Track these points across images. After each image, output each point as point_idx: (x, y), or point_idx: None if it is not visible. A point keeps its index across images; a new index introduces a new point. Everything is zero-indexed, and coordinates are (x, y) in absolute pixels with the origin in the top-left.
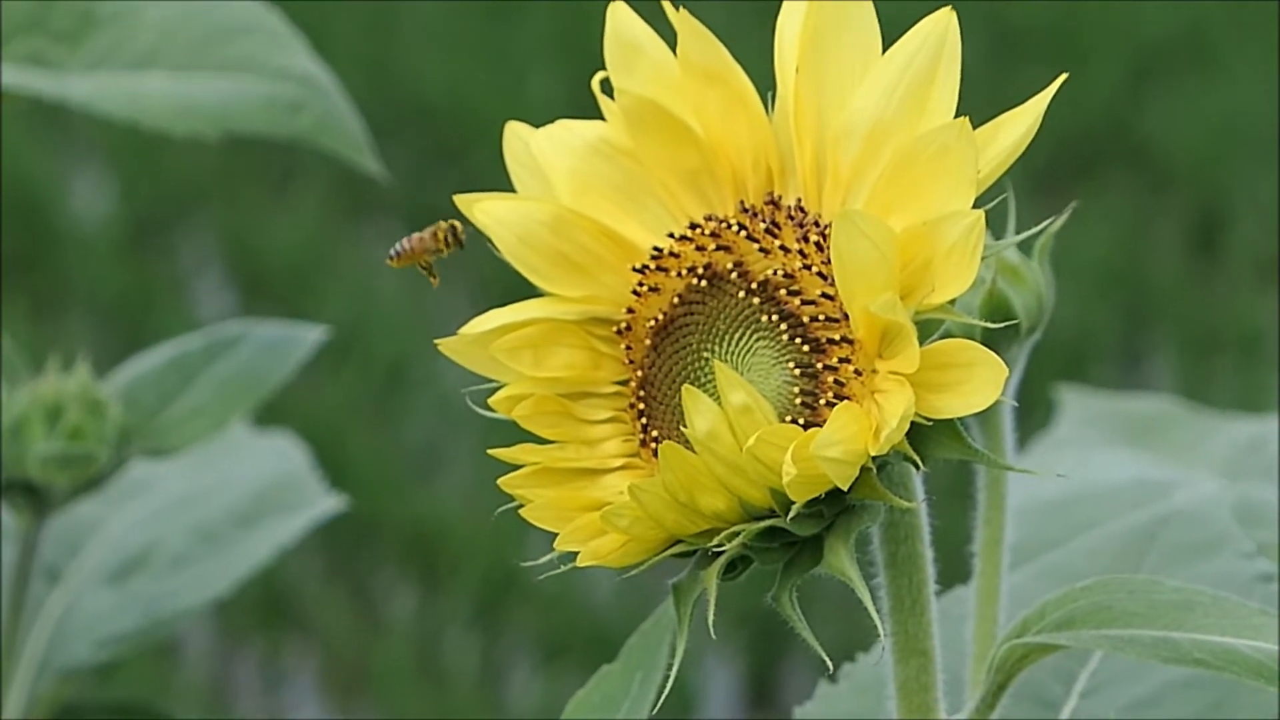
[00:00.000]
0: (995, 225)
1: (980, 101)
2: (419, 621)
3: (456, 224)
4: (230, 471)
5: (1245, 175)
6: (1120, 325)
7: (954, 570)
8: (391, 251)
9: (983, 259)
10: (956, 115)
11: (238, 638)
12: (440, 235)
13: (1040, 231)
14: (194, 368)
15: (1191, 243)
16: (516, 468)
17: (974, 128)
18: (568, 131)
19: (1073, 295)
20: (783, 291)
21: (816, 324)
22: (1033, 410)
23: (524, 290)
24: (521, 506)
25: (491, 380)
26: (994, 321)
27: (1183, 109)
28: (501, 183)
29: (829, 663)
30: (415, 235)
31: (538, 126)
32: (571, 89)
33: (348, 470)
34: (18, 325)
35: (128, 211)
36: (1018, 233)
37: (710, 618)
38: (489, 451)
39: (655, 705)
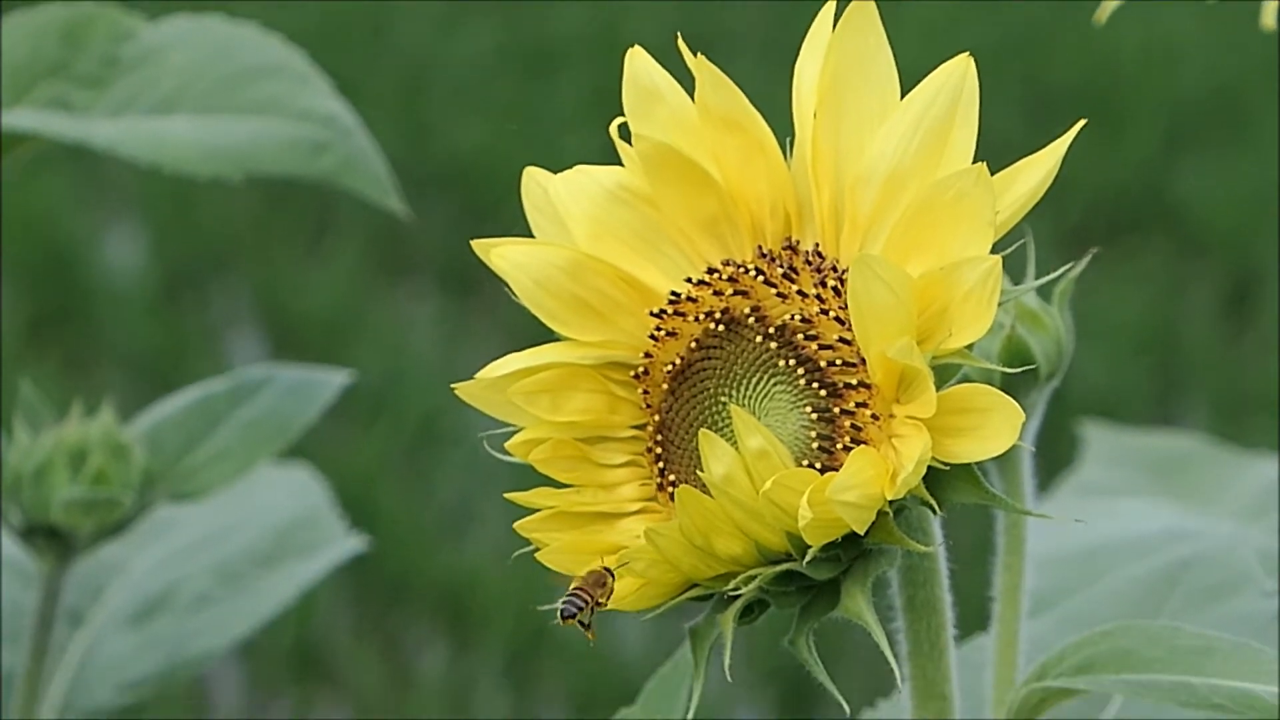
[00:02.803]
0: (1015, 271)
1: (1015, 161)
2: (450, 676)
3: (608, 568)
4: (250, 509)
5: (1277, 239)
6: (1152, 388)
7: (974, 619)
8: (568, 611)
9: (1002, 304)
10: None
11: (269, 691)
12: (610, 583)
13: (1060, 276)
14: (219, 412)
15: (1224, 306)
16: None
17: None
18: (586, 177)
19: (1105, 358)
20: (800, 336)
21: (834, 369)
22: (1059, 466)
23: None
24: (539, 550)
25: (510, 425)
26: (1013, 367)
27: (1216, 172)
28: None
29: (846, 707)
30: (580, 588)
31: None
32: (606, 148)
33: (379, 525)
34: (50, 380)
35: (161, 266)
36: (1044, 284)
37: (727, 661)
38: (506, 496)
39: None
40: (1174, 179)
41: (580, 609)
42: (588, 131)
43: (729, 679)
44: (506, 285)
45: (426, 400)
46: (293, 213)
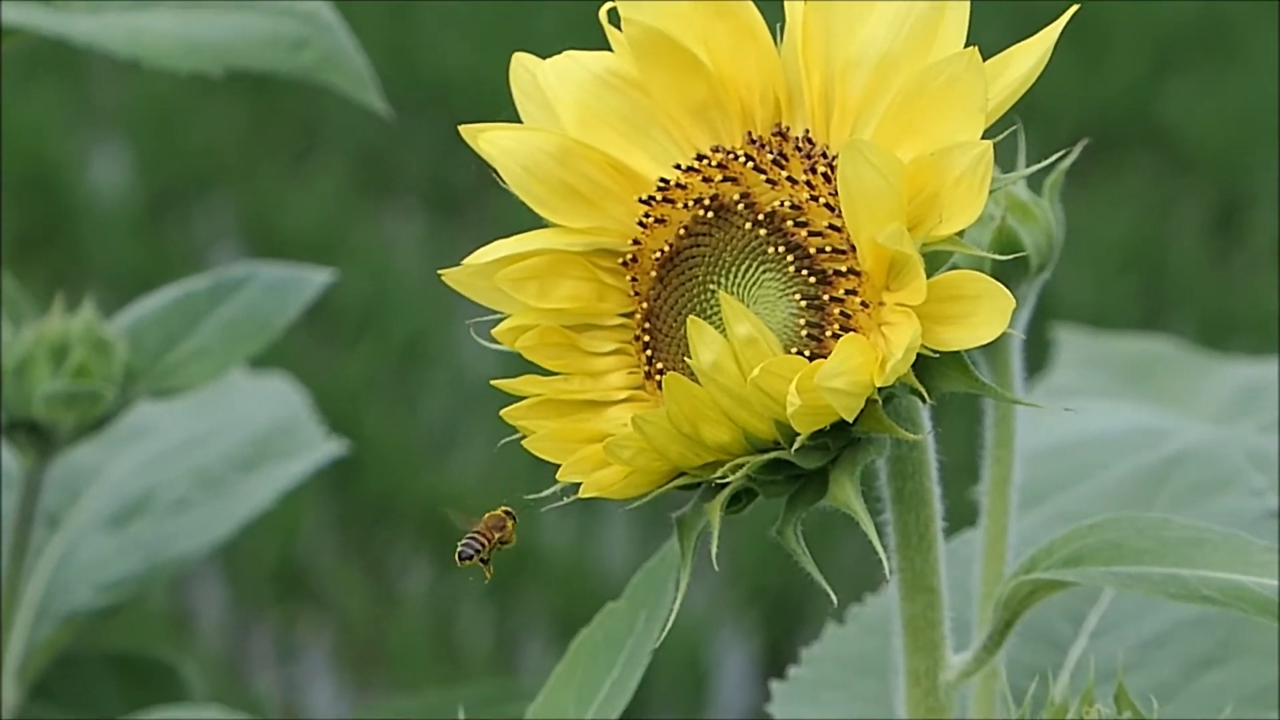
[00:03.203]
0: (1006, 168)
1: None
2: (433, 595)
3: (509, 511)
4: (229, 415)
5: (1264, 160)
6: (1139, 307)
7: (961, 515)
8: (465, 553)
9: (992, 193)
10: None
11: (252, 611)
12: (510, 525)
13: (1051, 166)
14: (200, 309)
15: (1210, 226)
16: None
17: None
18: (574, 63)
19: (1092, 277)
20: (790, 223)
21: (823, 255)
22: (1038, 378)
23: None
24: (526, 438)
25: (496, 311)
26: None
27: (1203, 94)
28: None
29: (833, 597)
30: (479, 531)
31: None
32: None
33: (364, 446)
34: (36, 298)
35: (146, 186)
36: (1031, 179)
37: (714, 549)
38: (493, 383)
39: (659, 641)
40: (1161, 98)
41: (477, 551)
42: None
43: (715, 568)
44: (494, 171)
45: (412, 320)
46: (278, 132)
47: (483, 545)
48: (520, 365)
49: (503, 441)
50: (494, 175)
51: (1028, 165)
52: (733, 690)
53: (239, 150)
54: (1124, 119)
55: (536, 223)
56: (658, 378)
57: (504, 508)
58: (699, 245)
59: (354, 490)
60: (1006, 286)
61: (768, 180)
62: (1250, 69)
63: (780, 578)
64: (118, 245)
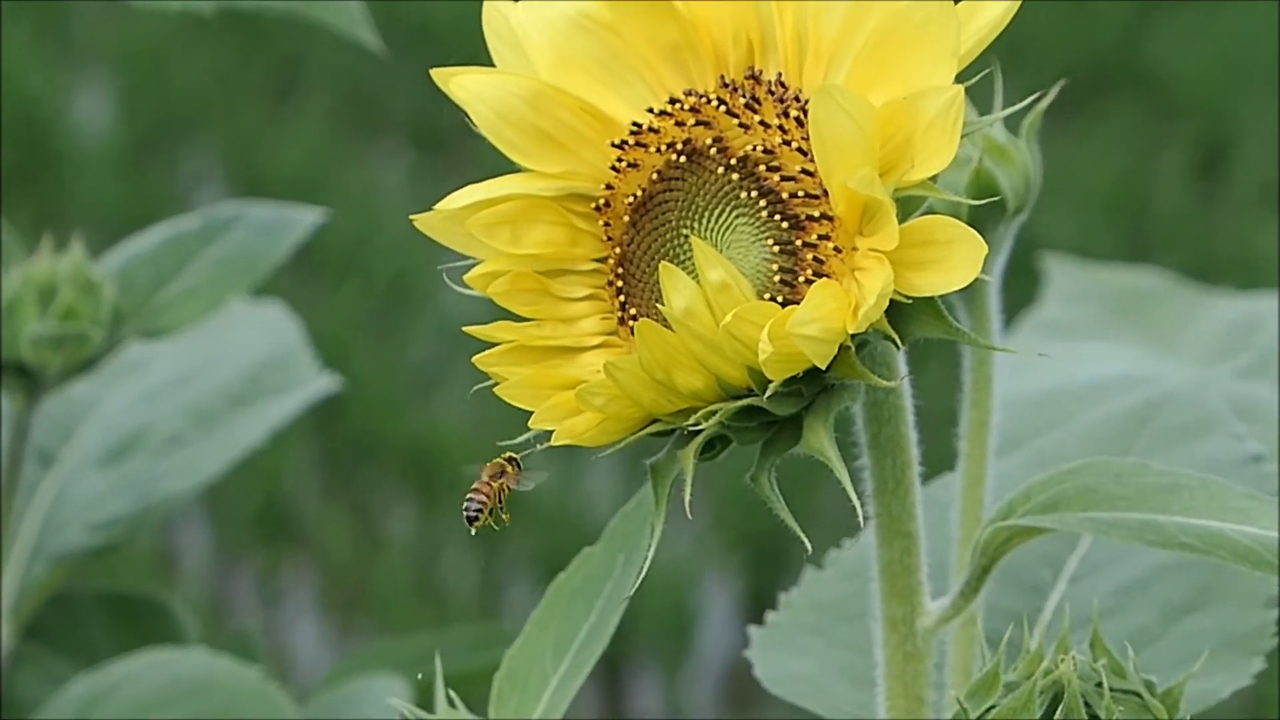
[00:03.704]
0: (985, 110)
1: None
2: (417, 537)
3: (511, 456)
4: (223, 348)
5: (1250, 103)
6: (1124, 250)
7: (943, 461)
8: (471, 512)
9: (967, 136)
10: None
11: (236, 554)
12: (512, 472)
13: (1027, 108)
14: (190, 249)
15: (1196, 169)
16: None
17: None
18: (547, 5)
19: (1077, 221)
20: (762, 167)
21: (796, 200)
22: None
23: None
24: (498, 385)
25: (469, 257)
26: (980, 201)
27: (1190, 37)
28: None
29: (807, 543)
30: (483, 482)
31: None
32: None
33: (349, 387)
34: (19, 239)
35: (129, 126)
36: (1010, 121)
37: (687, 497)
38: (465, 330)
39: (635, 586)
40: (1147, 42)
41: (483, 506)
42: None
43: (689, 516)
44: (467, 116)
45: (397, 261)
46: (262, 73)
47: (487, 499)
48: (503, 310)
49: (476, 387)
50: (466, 118)
51: (1010, 108)
52: (717, 635)
53: (223, 91)
54: (1111, 62)
55: (519, 165)
56: (631, 323)
57: (507, 454)
58: (672, 190)
59: (338, 431)
60: (984, 229)
61: (740, 124)
62: (1237, 12)
63: (765, 523)
64: (101, 186)
